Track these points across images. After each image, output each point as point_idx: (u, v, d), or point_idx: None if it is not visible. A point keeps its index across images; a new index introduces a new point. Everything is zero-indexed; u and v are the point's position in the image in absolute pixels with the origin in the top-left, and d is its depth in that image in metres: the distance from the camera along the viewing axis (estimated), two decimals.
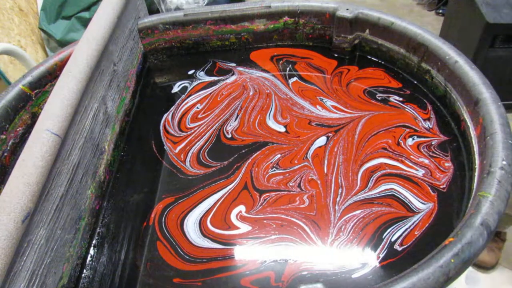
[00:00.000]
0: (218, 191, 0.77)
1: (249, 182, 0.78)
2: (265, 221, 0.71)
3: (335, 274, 0.63)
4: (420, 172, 0.75)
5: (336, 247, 0.67)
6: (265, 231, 0.70)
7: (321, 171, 0.78)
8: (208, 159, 0.84)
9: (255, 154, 0.83)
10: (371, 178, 0.75)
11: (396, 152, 0.79)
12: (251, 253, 0.68)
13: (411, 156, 0.78)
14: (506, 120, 0.66)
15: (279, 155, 0.82)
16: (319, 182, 0.76)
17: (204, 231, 0.71)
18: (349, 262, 0.65)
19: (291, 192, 0.75)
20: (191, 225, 0.72)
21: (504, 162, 0.60)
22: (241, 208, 0.74)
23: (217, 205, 0.75)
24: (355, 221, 0.69)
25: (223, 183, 0.79)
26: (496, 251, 1.31)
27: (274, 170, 0.79)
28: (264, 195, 0.75)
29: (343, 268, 0.64)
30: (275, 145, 0.85)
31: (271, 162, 0.81)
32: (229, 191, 0.77)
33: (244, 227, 0.71)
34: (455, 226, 0.60)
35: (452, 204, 0.70)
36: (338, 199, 0.73)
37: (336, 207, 0.71)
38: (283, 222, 0.71)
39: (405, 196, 0.72)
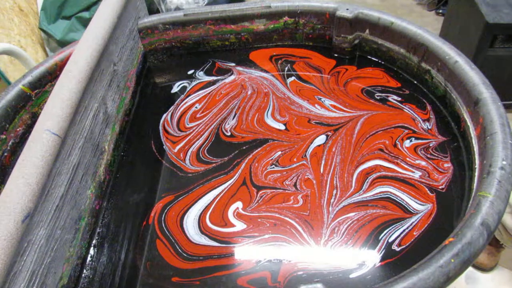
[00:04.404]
0: (218, 186, 0.78)
1: (248, 178, 0.78)
2: (259, 220, 0.72)
3: (331, 274, 0.63)
4: (416, 174, 0.75)
5: (330, 248, 0.67)
6: (259, 230, 0.70)
7: (317, 171, 0.78)
8: (208, 156, 0.84)
9: (257, 150, 0.83)
10: (366, 180, 0.75)
11: (392, 154, 0.79)
12: (246, 252, 0.68)
13: (407, 159, 0.78)
14: (506, 120, 0.66)
15: (279, 152, 0.82)
16: (314, 182, 0.76)
17: (202, 228, 0.71)
18: (345, 262, 0.65)
19: (286, 191, 0.75)
20: (190, 222, 0.72)
21: (504, 162, 0.60)
22: (239, 204, 0.74)
23: (216, 200, 0.75)
24: (349, 223, 0.69)
25: (222, 179, 0.79)
26: (495, 254, 1.31)
27: (273, 168, 0.80)
28: (260, 192, 0.76)
29: (340, 268, 0.64)
30: (276, 142, 0.85)
31: (271, 159, 0.81)
32: (229, 186, 0.77)
33: (239, 225, 0.71)
34: (455, 226, 0.60)
35: (452, 204, 0.70)
36: (332, 200, 0.73)
37: (330, 208, 0.71)
38: (276, 221, 0.71)
39: (401, 198, 0.72)
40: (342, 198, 0.73)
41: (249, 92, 0.98)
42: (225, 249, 0.68)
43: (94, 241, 0.73)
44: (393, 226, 0.68)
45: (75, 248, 0.66)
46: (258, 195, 0.75)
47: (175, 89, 1.03)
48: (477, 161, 0.69)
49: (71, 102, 0.66)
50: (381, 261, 0.64)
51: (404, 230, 0.67)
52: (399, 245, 0.65)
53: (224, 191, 0.77)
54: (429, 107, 0.88)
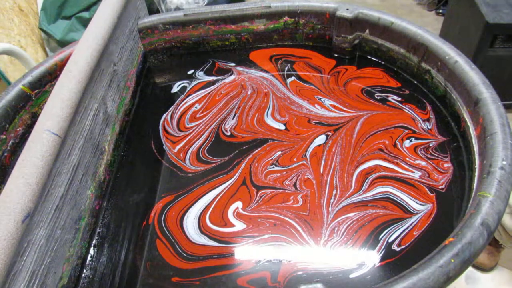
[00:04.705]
0: (218, 186, 0.78)
1: (248, 178, 0.78)
2: (259, 220, 0.72)
3: (331, 274, 0.63)
4: (416, 174, 0.75)
5: (330, 248, 0.67)
6: (259, 230, 0.70)
7: (317, 171, 0.78)
8: (208, 156, 0.84)
9: (257, 150, 0.83)
10: (366, 181, 0.75)
11: (392, 154, 0.79)
12: (246, 252, 0.68)
13: (407, 159, 0.78)
14: (506, 120, 0.66)
15: (279, 152, 0.82)
16: (314, 182, 0.76)
17: (202, 228, 0.71)
18: (345, 262, 0.65)
19: (286, 191, 0.75)
20: (190, 221, 0.72)
21: (504, 162, 0.60)
22: (238, 204, 0.74)
23: (216, 200, 0.75)
24: (348, 223, 0.69)
25: (222, 179, 0.79)
26: (495, 254, 1.31)
27: (273, 167, 0.80)
28: (260, 192, 0.76)
29: (339, 268, 0.64)
30: (276, 142, 0.85)
31: (271, 159, 0.81)
32: (229, 186, 0.77)
33: (239, 225, 0.71)
34: (455, 226, 0.60)
35: (452, 204, 0.70)
36: (332, 200, 0.73)
37: (330, 209, 0.71)
38: (276, 221, 0.71)
39: (401, 198, 0.72)
40: (342, 198, 0.73)
41: (249, 92, 0.98)
42: (225, 249, 0.68)
43: (94, 241, 0.72)
44: (393, 226, 0.68)
45: (75, 248, 0.66)
46: (258, 195, 0.75)
47: (175, 89, 1.03)
48: (477, 161, 0.69)
49: (71, 102, 0.66)
50: (381, 261, 0.64)
51: (404, 230, 0.67)
52: (399, 245, 0.65)
53: (224, 191, 0.77)
54: (429, 107, 0.88)
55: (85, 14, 1.96)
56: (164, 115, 0.95)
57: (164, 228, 0.72)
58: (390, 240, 0.66)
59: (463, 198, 0.70)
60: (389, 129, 0.84)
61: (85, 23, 1.94)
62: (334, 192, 0.74)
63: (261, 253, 0.67)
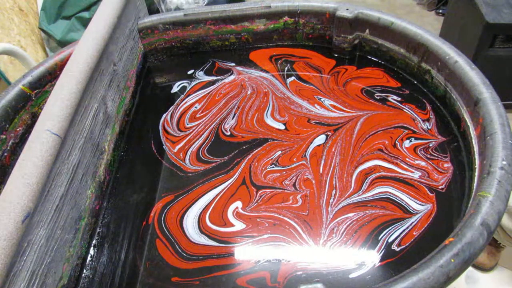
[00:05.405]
0: (217, 186, 0.78)
1: (247, 177, 0.78)
2: (258, 220, 0.72)
3: (331, 274, 0.63)
4: (416, 174, 0.75)
5: (329, 248, 0.67)
6: (258, 229, 0.70)
7: (317, 171, 0.78)
8: (208, 155, 0.84)
9: (257, 150, 0.83)
10: (365, 181, 0.75)
11: (391, 155, 0.79)
12: (245, 252, 0.68)
13: (407, 159, 0.78)
14: (506, 120, 0.66)
15: (279, 152, 0.82)
16: (313, 182, 0.76)
17: (202, 227, 0.71)
18: (345, 262, 0.65)
19: (286, 191, 0.75)
20: (190, 221, 0.73)
21: (504, 162, 0.60)
22: (238, 204, 0.74)
23: (216, 200, 0.75)
24: (348, 223, 0.69)
25: (222, 178, 0.79)
26: (495, 254, 1.31)
27: (273, 167, 0.80)
28: (260, 192, 0.76)
29: (339, 268, 0.64)
30: (275, 141, 0.85)
31: (271, 159, 0.81)
32: (228, 186, 0.77)
33: (238, 225, 0.71)
34: (455, 226, 0.60)
35: (452, 204, 0.70)
36: (331, 200, 0.73)
37: (329, 209, 0.71)
38: (275, 221, 0.71)
39: (401, 199, 0.72)
40: (341, 199, 0.73)
41: (248, 92, 0.98)
42: (225, 249, 0.68)
43: (94, 241, 0.73)
44: (392, 226, 0.68)
45: (75, 248, 0.66)
46: (258, 194, 0.75)
47: (175, 89, 1.03)
48: (477, 161, 0.69)
49: (71, 102, 0.66)
50: (381, 261, 0.64)
51: (403, 230, 0.67)
52: (398, 245, 0.65)
53: (224, 191, 0.77)
54: (429, 107, 0.88)
55: (85, 14, 1.96)
56: (164, 115, 0.95)
57: (164, 228, 0.72)
58: (390, 240, 0.66)
59: (463, 198, 0.70)
60: (389, 129, 0.84)
61: (85, 23, 1.94)
62: (334, 192, 0.74)
63: (261, 253, 0.67)
